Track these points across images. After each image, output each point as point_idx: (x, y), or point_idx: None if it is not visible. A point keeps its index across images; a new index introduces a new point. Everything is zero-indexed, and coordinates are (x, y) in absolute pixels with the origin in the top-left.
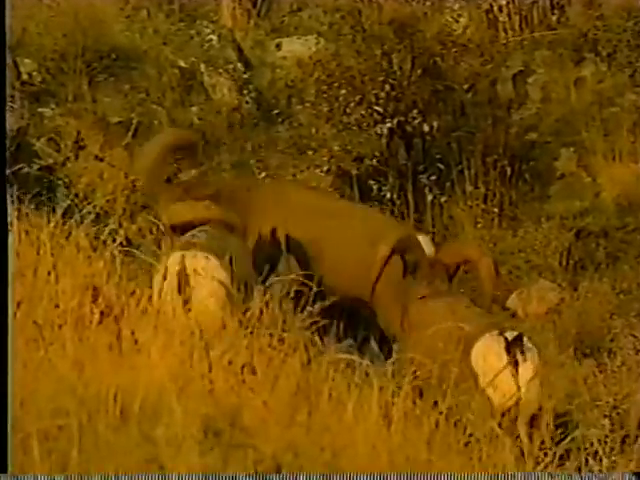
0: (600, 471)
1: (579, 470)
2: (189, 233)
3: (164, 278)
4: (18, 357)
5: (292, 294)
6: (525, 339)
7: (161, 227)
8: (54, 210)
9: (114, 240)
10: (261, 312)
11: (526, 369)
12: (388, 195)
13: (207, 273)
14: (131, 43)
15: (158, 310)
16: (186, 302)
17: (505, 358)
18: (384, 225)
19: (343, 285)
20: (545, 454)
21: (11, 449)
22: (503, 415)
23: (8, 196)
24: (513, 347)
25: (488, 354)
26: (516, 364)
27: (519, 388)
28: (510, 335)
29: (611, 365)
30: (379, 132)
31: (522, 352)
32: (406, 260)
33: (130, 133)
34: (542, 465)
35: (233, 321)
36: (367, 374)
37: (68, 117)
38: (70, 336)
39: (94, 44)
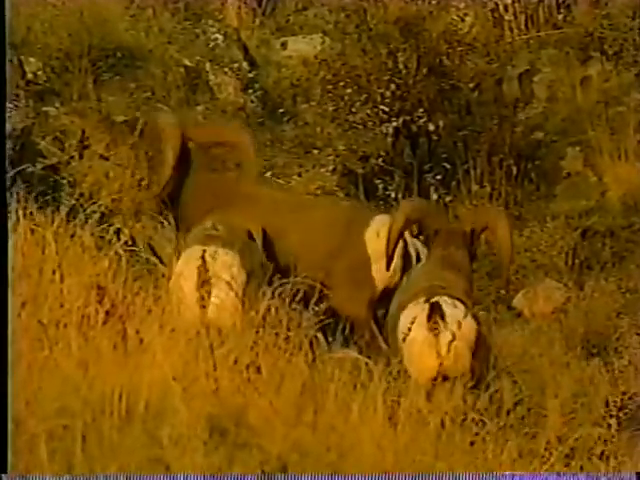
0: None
1: (581, 469)
2: (207, 225)
3: (181, 272)
4: (23, 357)
5: (299, 294)
6: (446, 304)
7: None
8: (59, 209)
9: (119, 239)
10: (267, 311)
11: (446, 335)
12: (393, 194)
13: (227, 270)
14: (136, 42)
15: (163, 309)
16: (203, 298)
17: (425, 326)
18: (354, 209)
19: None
20: (550, 453)
21: (12, 449)
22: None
23: (13, 195)
24: (434, 314)
25: (409, 322)
26: (436, 331)
27: (439, 355)
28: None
29: (618, 364)
30: (385, 131)
31: (442, 318)
32: (425, 227)
33: (136, 132)
34: (548, 464)
35: (239, 320)
36: (373, 374)
37: (73, 116)
38: (75, 336)
39: (99, 43)
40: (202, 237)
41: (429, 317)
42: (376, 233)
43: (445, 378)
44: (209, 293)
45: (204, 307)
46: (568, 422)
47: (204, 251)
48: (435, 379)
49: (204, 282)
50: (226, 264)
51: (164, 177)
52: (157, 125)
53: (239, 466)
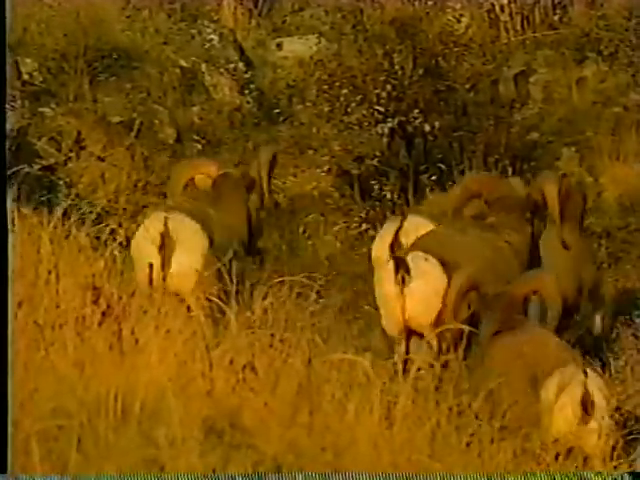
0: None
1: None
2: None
3: (142, 237)
4: (19, 357)
5: (294, 294)
6: (412, 258)
7: None
8: (55, 210)
9: (114, 240)
10: (264, 312)
11: (411, 289)
12: (389, 195)
13: (188, 236)
14: (132, 43)
15: (159, 310)
16: (163, 262)
17: (393, 280)
18: None
19: None
20: (546, 453)
21: (11, 449)
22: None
23: (9, 196)
24: (400, 268)
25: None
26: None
27: (404, 310)
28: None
29: (614, 365)
30: (380, 132)
31: (407, 271)
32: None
33: (133, 133)
34: (544, 464)
35: (235, 321)
36: (369, 375)
37: (69, 117)
38: (71, 336)
39: (95, 44)
40: (168, 205)
41: (396, 271)
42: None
43: (416, 333)
44: (169, 257)
45: (164, 271)
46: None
47: (166, 218)
48: (407, 333)
49: (165, 246)
50: (188, 230)
51: None
52: None
53: (234, 467)
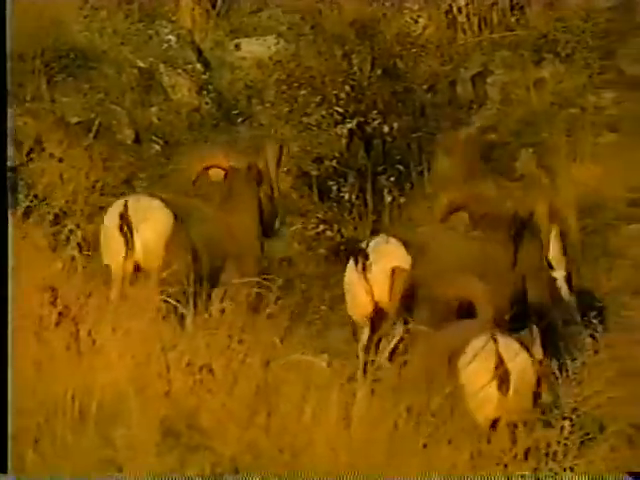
0: (556, 473)
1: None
2: None
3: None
4: None
5: (252, 296)
6: (375, 242)
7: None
8: (15, 211)
9: (72, 240)
10: (221, 313)
11: (373, 273)
12: (347, 196)
13: (149, 212)
14: (90, 43)
15: (116, 311)
16: (127, 242)
17: (354, 269)
18: None
19: None
20: (504, 454)
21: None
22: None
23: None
24: (358, 257)
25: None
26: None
27: (372, 295)
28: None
29: (572, 366)
30: (339, 133)
31: (366, 258)
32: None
33: (91, 134)
34: (501, 465)
35: (192, 322)
36: (326, 376)
37: (27, 117)
38: (29, 337)
39: (53, 44)
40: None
41: (356, 260)
42: None
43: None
44: (132, 236)
45: (129, 250)
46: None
47: (126, 200)
48: (372, 317)
49: (126, 226)
50: (149, 207)
51: None
52: None
53: (192, 468)
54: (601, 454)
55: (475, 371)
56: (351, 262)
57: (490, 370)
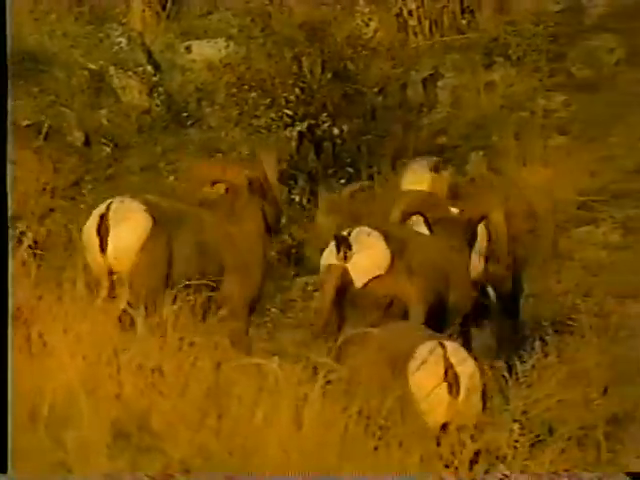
0: (506, 476)
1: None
2: None
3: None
4: None
5: (203, 298)
6: (356, 233)
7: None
8: None
9: (23, 243)
10: (173, 316)
11: (353, 262)
12: (298, 198)
13: (128, 214)
14: (40, 46)
15: (67, 313)
16: (102, 242)
17: (335, 257)
18: None
19: None
20: (455, 457)
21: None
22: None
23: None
24: (341, 246)
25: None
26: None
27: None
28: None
29: (521, 369)
30: (289, 135)
31: (349, 247)
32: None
33: (41, 136)
34: (452, 468)
35: (144, 324)
36: (278, 378)
37: None
38: None
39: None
40: None
41: (337, 248)
42: None
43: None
44: (107, 237)
45: (104, 251)
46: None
47: (110, 202)
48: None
49: (104, 227)
50: (128, 210)
51: None
52: None
53: (143, 470)
54: (551, 456)
55: (425, 376)
56: (332, 247)
57: (439, 375)
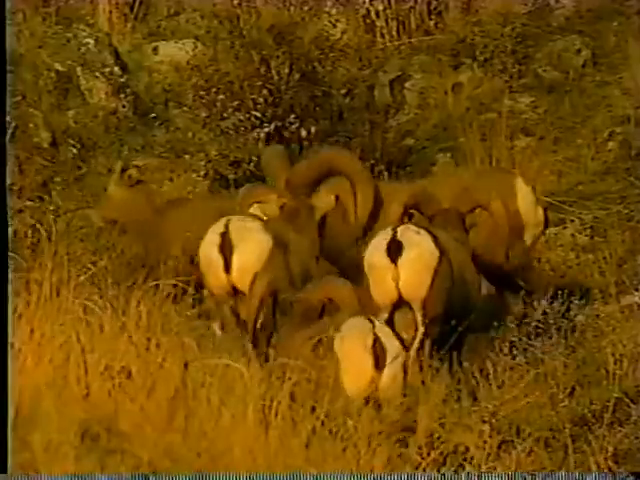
0: (479, 476)
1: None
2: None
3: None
4: None
5: (171, 298)
6: (403, 231)
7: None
8: None
9: None
10: (139, 316)
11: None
12: None
13: (250, 235)
14: (8, 46)
15: (35, 314)
16: (227, 261)
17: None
18: None
19: None
20: (423, 458)
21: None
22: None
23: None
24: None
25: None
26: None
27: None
28: None
29: (492, 371)
30: (256, 137)
31: (401, 248)
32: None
33: (7, 137)
34: (420, 469)
35: (111, 325)
36: (245, 380)
37: None
38: None
39: None
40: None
41: (389, 249)
42: None
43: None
44: (231, 257)
45: (228, 271)
46: (440, 428)
47: (229, 220)
48: (396, 304)
49: (227, 246)
50: (250, 230)
51: None
52: None
53: (110, 471)
54: (518, 457)
55: (351, 346)
56: (382, 244)
57: (367, 347)
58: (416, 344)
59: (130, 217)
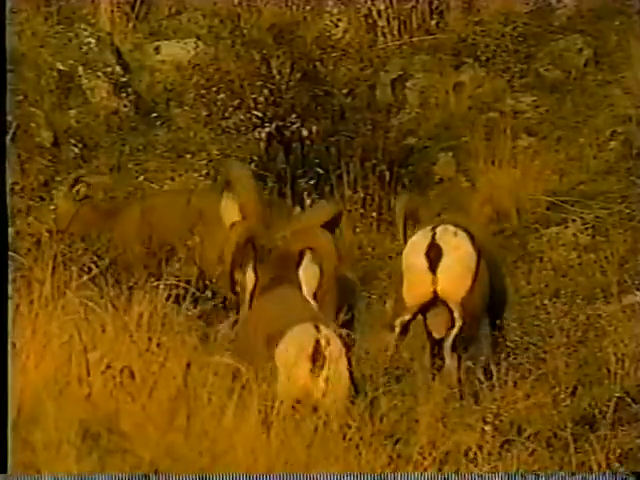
0: (481, 476)
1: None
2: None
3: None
4: None
5: (172, 297)
6: (442, 232)
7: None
8: None
9: None
10: (140, 316)
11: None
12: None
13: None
14: (8, 45)
15: (37, 314)
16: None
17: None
18: None
19: None
20: (424, 458)
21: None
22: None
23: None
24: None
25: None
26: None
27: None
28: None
29: (496, 371)
30: (258, 136)
31: (440, 253)
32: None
33: (9, 136)
34: (421, 469)
35: (112, 325)
36: (247, 379)
37: None
38: None
39: None
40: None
41: (428, 253)
42: None
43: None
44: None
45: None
46: (442, 427)
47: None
48: (431, 302)
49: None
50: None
51: None
52: None
53: (111, 471)
54: (520, 457)
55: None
56: (422, 246)
57: (307, 353)
58: (450, 341)
59: (76, 229)
